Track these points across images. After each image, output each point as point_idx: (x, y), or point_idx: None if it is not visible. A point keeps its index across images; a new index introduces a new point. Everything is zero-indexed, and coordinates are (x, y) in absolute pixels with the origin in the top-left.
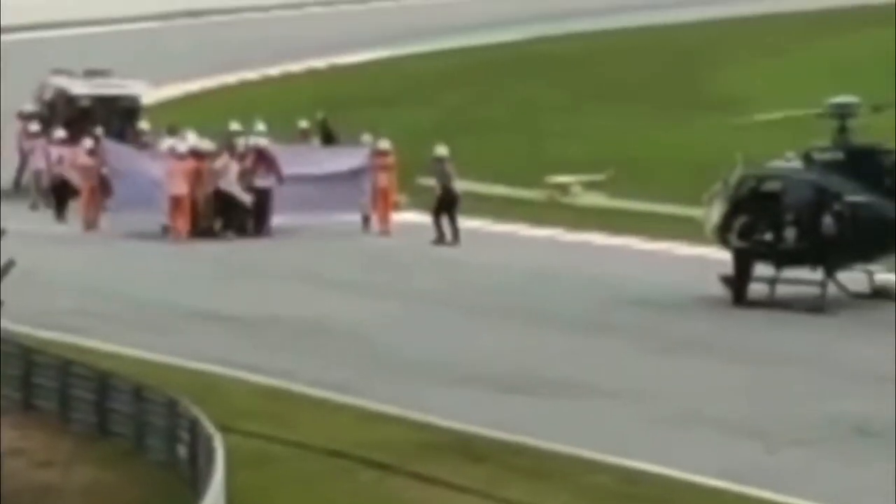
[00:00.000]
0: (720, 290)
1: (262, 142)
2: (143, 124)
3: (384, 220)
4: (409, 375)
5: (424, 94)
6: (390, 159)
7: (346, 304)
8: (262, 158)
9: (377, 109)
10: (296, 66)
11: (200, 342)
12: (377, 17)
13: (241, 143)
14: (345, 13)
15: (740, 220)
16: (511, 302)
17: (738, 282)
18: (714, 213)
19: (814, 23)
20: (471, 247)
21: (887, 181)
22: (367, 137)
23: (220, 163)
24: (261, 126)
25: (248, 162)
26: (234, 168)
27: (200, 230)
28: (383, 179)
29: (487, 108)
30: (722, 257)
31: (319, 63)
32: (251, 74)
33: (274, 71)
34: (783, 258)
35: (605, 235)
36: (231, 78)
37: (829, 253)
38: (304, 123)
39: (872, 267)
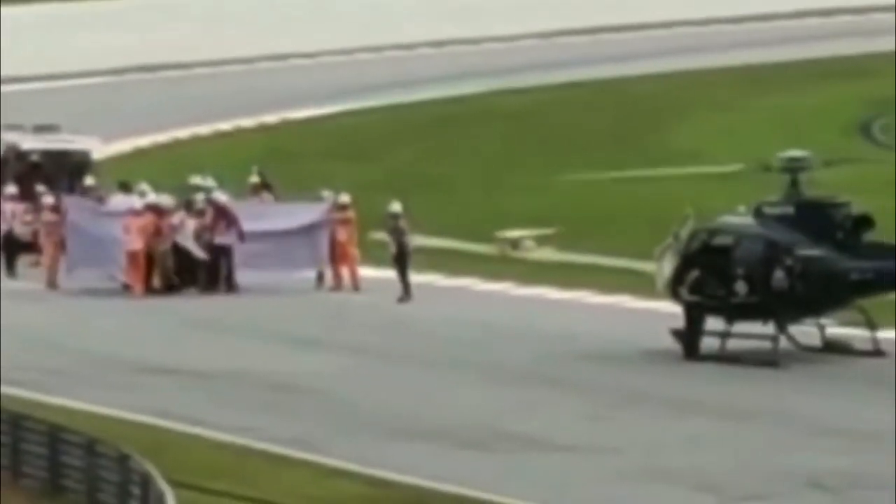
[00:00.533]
0: (672, 344)
1: (222, 198)
2: (89, 180)
3: (353, 275)
4: (367, 430)
5: (376, 149)
6: (350, 213)
7: (303, 359)
8: (222, 215)
9: (329, 163)
10: (247, 121)
11: (157, 397)
12: (328, 72)
13: (199, 198)
14: (296, 67)
15: (692, 275)
16: (465, 356)
17: (689, 336)
18: (666, 267)
19: (764, 77)
20: (424, 301)
21: (838, 235)
22: (326, 193)
23: (176, 218)
24: (209, 181)
25: (208, 218)
26: (191, 224)
27: (160, 286)
28: (343, 234)
29: (439, 162)
30: (674, 311)
31: (271, 118)
32: (203, 129)
33: (226, 125)
34: (735, 312)
35: (557, 289)
36: (183, 132)
37: (780, 307)
38: (254, 178)
39: (824, 320)
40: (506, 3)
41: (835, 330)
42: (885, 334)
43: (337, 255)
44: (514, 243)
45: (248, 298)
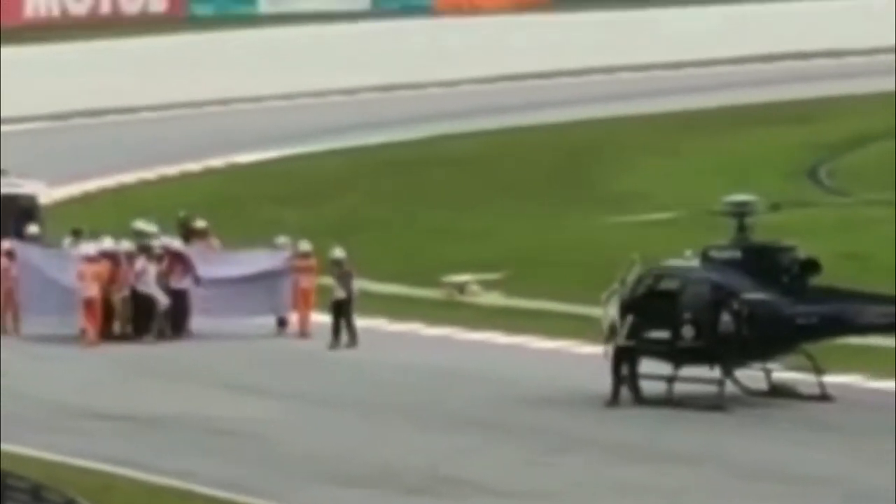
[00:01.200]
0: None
1: (177, 244)
2: (33, 228)
3: (304, 321)
4: (306, 475)
5: (323, 193)
6: (312, 261)
7: (248, 404)
8: (179, 260)
9: (275, 208)
10: (193, 165)
11: (103, 442)
12: (274, 116)
13: (157, 244)
14: (242, 111)
15: (638, 319)
16: (408, 401)
17: (631, 381)
18: (612, 312)
19: (709, 122)
20: (369, 346)
21: (785, 279)
22: (283, 239)
23: (139, 264)
24: (152, 226)
25: (165, 264)
26: (152, 270)
27: (116, 333)
28: (305, 281)
29: (384, 206)
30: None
31: (217, 162)
32: (148, 173)
33: (171, 170)
34: (681, 356)
35: (503, 334)
36: (129, 177)
37: (726, 351)
38: (201, 223)
39: (770, 365)
40: (450, 48)
41: (781, 374)
42: (831, 379)
43: (300, 303)
44: (461, 288)
45: (203, 344)
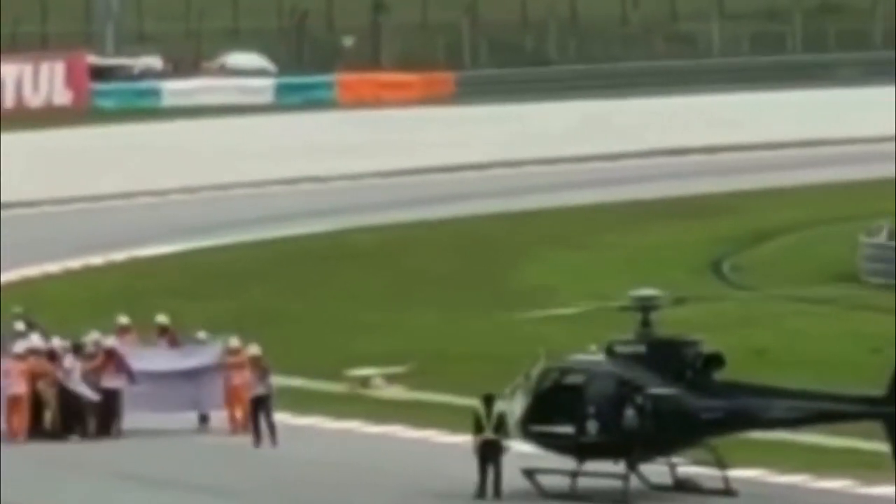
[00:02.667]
0: (524, 483)
1: (110, 341)
2: None
3: (235, 419)
4: None
5: (226, 286)
6: (242, 357)
7: (154, 499)
8: (112, 358)
9: (179, 301)
10: (96, 259)
11: None
12: (176, 210)
13: (90, 341)
14: (144, 206)
15: (542, 413)
16: (309, 496)
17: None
18: (516, 407)
19: (614, 215)
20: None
21: (689, 374)
22: (202, 334)
23: (67, 362)
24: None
25: (98, 361)
26: (79, 367)
27: (44, 431)
28: (237, 378)
29: (290, 299)
30: (526, 450)
31: (120, 255)
32: (53, 267)
33: (75, 264)
34: (586, 451)
35: (407, 428)
36: (33, 270)
37: (631, 445)
38: (123, 319)
39: (675, 459)
40: (353, 142)
41: (686, 469)
42: (735, 473)
43: (232, 399)
44: (364, 381)
45: (127, 441)
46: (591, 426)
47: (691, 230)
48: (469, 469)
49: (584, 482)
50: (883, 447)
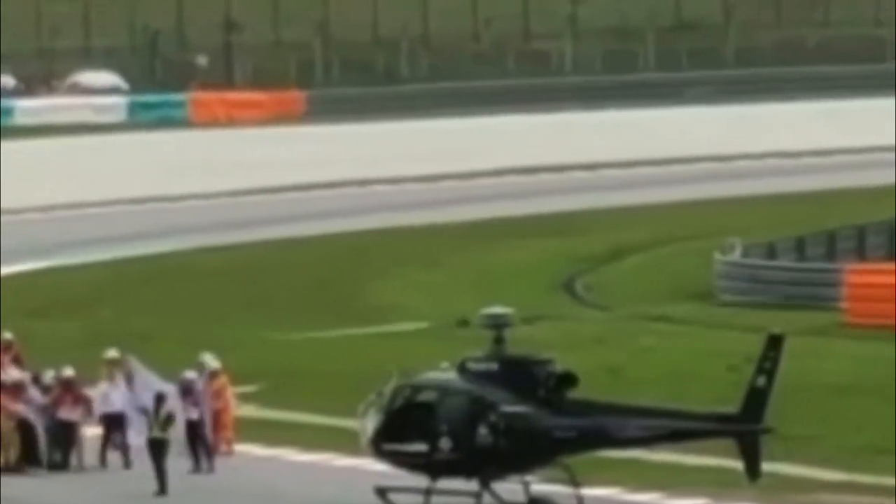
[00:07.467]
0: (376, 503)
1: (69, 372)
2: None
3: (227, 441)
4: None
5: (79, 305)
6: (222, 380)
7: None
8: (69, 390)
9: (29, 321)
10: None
11: None
12: (27, 229)
13: (48, 375)
14: None
15: (395, 430)
16: None
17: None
18: (369, 424)
19: (467, 234)
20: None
21: (542, 392)
22: (207, 357)
23: (29, 393)
24: None
25: (54, 394)
26: (37, 399)
27: (4, 465)
28: (218, 403)
29: (142, 319)
30: (379, 469)
31: None
32: None
33: None
34: (438, 469)
35: (259, 446)
36: None
37: (484, 463)
38: (113, 353)
39: (528, 477)
40: (205, 160)
41: (539, 487)
42: (588, 491)
43: (216, 425)
44: None
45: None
46: (444, 444)
47: (544, 249)
48: (319, 488)
49: (436, 500)
50: (737, 464)
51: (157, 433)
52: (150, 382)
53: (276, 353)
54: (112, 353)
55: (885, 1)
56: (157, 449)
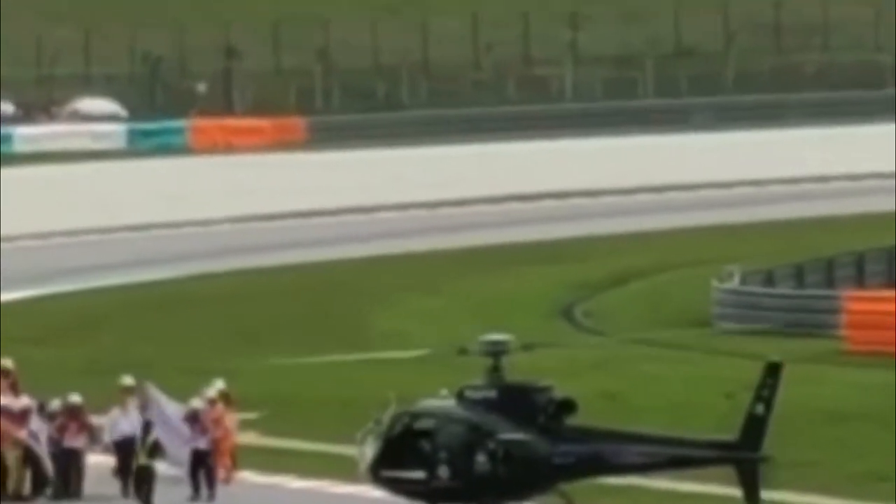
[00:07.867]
0: None
1: (75, 399)
2: None
3: (226, 469)
4: None
5: (75, 333)
6: (219, 410)
7: None
8: (74, 417)
9: (27, 348)
10: None
11: None
12: (26, 256)
13: (54, 403)
14: None
15: (391, 457)
16: None
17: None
18: (368, 452)
19: (466, 261)
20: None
21: (540, 419)
22: (219, 383)
23: (34, 423)
24: None
25: (58, 422)
26: (45, 429)
27: (11, 493)
28: (218, 431)
29: (140, 346)
30: (377, 496)
31: None
32: None
33: None
34: (437, 496)
35: (259, 474)
36: None
37: (482, 491)
38: (128, 380)
39: None
40: (205, 187)
41: None
42: None
43: (217, 453)
44: None
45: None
46: (443, 471)
47: (544, 276)
48: None
49: None
50: (736, 492)
51: (142, 461)
52: (172, 408)
53: (275, 379)
54: (128, 380)
55: (885, 26)
56: (143, 477)
